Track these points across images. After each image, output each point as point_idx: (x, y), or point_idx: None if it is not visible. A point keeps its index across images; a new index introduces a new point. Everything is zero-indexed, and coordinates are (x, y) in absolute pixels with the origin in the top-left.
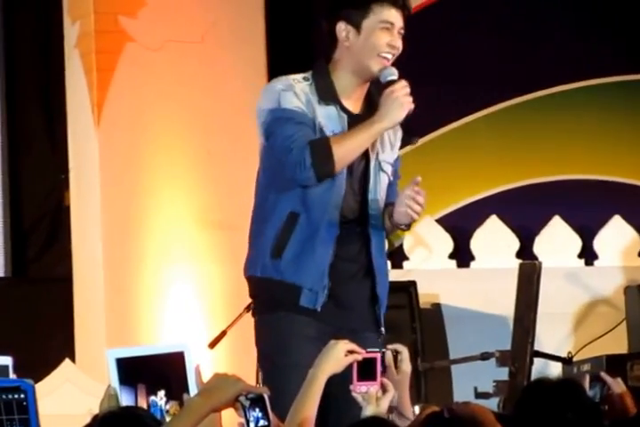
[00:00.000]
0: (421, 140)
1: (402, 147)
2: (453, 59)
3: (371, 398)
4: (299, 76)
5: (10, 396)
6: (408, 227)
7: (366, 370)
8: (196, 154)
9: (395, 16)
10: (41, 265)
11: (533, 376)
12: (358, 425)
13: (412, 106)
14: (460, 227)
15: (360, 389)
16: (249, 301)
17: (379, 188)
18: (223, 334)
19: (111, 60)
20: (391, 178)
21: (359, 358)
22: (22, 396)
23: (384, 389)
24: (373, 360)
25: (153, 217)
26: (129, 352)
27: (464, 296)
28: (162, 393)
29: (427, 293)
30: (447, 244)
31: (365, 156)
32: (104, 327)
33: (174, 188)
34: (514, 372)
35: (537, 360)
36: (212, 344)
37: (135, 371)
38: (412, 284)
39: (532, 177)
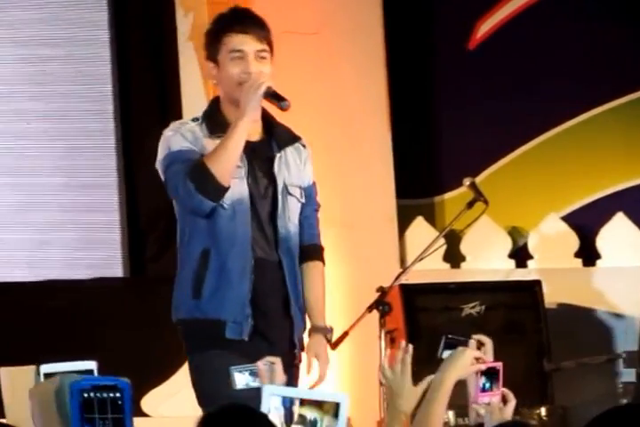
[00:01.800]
0: (544, 136)
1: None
2: (577, 52)
3: (493, 409)
4: (188, 119)
5: (104, 395)
6: None
7: (487, 380)
8: (314, 149)
9: (243, 42)
10: (159, 265)
11: None
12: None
13: (267, 84)
14: (586, 224)
15: (482, 400)
16: (371, 300)
17: (287, 213)
18: (345, 334)
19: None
20: (302, 200)
21: (483, 367)
22: (118, 395)
23: (505, 398)
24: (495, 370)
25: None
26: (286, 392)
27: (590, 296)
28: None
29: (552, 292)
30: (573, 242)
31: (272, 181)
32: None
33: None
34: None
35: None
36: (335, 345)
37: None
38: (537, 283)
39: None
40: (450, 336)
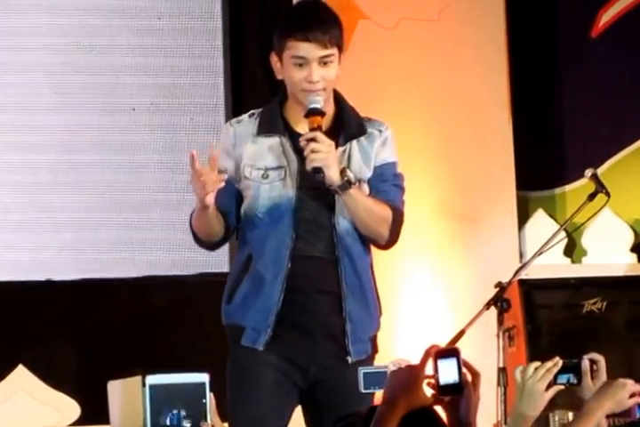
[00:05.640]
0: None
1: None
2: None
3: None
4: (246, 115)
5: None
6: (339, 188)
7: None
8: (434, 139)
9: (307, 50)
10: None
11: None
12: None
13: (315, 165)
14: None
15: None
16: (489, 296)
17: (344, 209)
18: (462, 333)
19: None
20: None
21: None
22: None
23: None
24: None
25: None
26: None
27: None
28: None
29: None
30: None
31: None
32: None
33: (410, 175)
34: None
35: None
36: (451, 344)
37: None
38: None
39: None
40: (564, 361)
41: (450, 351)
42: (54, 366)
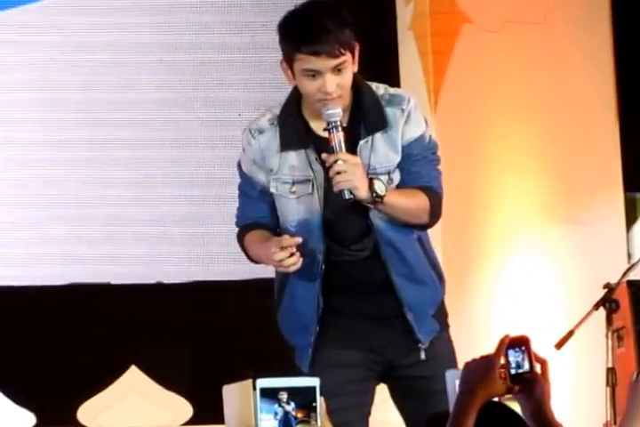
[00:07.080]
0: None
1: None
2: None
3: None
4: (266, 121)
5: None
6: (372, 201)
7: None
8: (540, 142)
9: (318, 62)
10: None
11: None
12: None
13: (342, 187)
14: None
15: None
16: (597, 297)
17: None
18: (570, 334)
19: (448, 42)
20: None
21: None
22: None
23: None
24: None
25: (494, 207)
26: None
27: None
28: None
29: None
30: None
31: None
32: None
33: (517, 178)
34: None
35: None
36: (559, 345)
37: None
38: None
39: None
40: None
41: (519, 341)
42: (167, 366)
